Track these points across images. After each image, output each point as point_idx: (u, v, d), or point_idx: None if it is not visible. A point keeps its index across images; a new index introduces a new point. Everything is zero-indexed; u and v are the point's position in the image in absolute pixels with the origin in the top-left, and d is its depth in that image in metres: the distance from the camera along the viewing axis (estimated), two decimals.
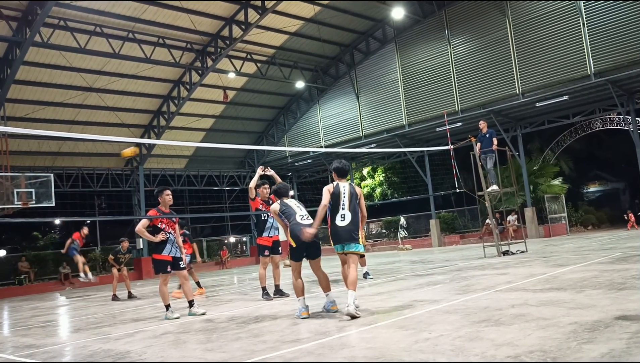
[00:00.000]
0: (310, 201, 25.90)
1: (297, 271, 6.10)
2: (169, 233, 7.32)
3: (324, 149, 24.68)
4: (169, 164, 26.82)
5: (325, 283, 6.10)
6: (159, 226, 7.28)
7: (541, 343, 3.55)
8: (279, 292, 8.48)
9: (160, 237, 7.22)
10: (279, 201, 6.45)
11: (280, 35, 23.38)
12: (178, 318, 7.06)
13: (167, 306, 7.21)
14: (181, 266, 7.37)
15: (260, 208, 8.66)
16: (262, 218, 8.57)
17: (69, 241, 14.01)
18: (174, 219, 7.48)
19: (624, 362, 2.97)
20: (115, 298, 12.03)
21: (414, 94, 23.68)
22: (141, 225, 7.26)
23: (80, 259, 13.98)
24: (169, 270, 7.21)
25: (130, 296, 12.19)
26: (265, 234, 8.51)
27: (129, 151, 10.69)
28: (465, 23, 22.19)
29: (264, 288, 8.47)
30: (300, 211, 6.20)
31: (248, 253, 29.70)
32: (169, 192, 7.54)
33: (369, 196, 30.10)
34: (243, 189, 30.23)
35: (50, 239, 29.58)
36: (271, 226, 8.51)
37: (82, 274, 14.18)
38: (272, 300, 8.22)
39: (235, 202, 30.57)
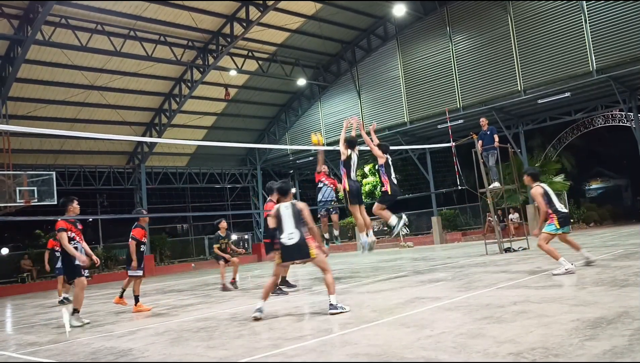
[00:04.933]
0: (313, 199, 25.86)
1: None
2: (78, 242, 7.38)
3: (325, 147, 24.61)
4: (170, 162, 26.84)
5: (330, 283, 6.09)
6: (69, 235, 7.24)
7: (543, 340, 3.55)
8: None
9: (84, 259, 7.21)
10: (277, 207, 6.26)
11: (282, 33, 23.35)
12: (82, 325, 7.08)
13: (75, 310, 7.24)
14: (85, 274, 7.58)
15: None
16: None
17: (46, 254, 12.99)
18: (79, 226, 7.50)
19: (626, 360, 2.97)
20: (225, 288, 10.92)
21: (416, 91, 23.63)
22: (65, 240, 7.10)
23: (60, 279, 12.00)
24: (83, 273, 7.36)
25: (233, 283, 11.12)
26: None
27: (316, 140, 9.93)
28: (466, 20, 22.12)
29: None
30: (289, 228, 6.03)
31: (250, 251, 29.70)
32: (77, 202, 7.54)
33: (370, 194, 30.07)
34: (244, 187, 30.23)
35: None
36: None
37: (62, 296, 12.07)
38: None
39: (237, 200, 30.54)
